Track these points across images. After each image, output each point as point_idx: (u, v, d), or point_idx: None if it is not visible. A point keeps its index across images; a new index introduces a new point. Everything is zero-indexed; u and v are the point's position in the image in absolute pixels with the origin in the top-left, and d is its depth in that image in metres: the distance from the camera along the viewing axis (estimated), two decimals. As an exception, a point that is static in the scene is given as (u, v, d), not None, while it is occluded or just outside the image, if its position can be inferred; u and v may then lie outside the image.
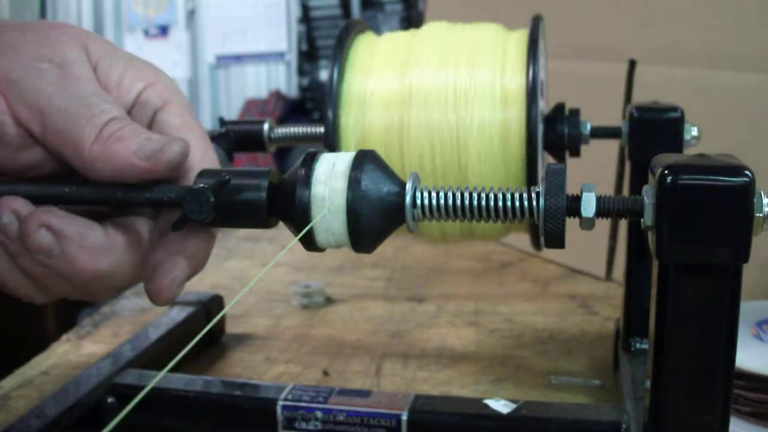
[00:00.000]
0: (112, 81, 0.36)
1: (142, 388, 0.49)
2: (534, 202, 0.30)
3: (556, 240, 0.30)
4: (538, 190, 0.30)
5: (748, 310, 0.53)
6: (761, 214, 0.28)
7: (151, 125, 0.36)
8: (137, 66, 0.38)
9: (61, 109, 0.33)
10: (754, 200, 0.28)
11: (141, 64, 0.38)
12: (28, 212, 0.32)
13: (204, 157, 0.36)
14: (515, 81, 0.47)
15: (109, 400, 0.48)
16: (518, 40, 0.50)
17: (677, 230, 0.28)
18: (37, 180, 0.34)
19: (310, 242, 0.32)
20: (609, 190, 0.71)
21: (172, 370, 0.53)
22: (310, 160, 0.31)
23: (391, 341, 0.65)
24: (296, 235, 0.32)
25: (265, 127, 0.57)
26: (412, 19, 2.86)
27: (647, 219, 0.29)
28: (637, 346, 0.51)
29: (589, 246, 0.79)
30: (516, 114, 0.46)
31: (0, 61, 0.33)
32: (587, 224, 0.30)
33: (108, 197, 0.33)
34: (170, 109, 0.37)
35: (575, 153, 0.51)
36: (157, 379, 0.36)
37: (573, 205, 0.30)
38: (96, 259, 0.32)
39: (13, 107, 0.33)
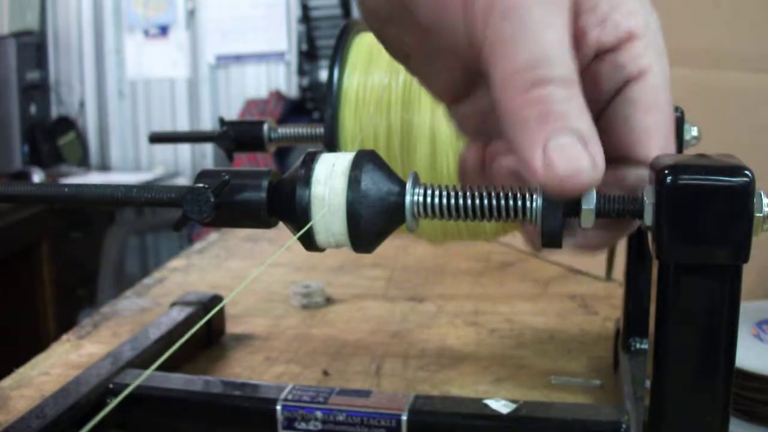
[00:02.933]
0: (597, 15, 0.29)
1: (142, 387, 0.49)
2: (530, 202, 0.30)
3: (553, 240, 0.30)
4: (535, 189, 0.30)
5: (748, 310, 0.53)
6: (761, 214, 0.28)
7: (614, 96, 0.30)
8: (629, 5, 0.30)
9: (501, 32, 0.27)
10: (754, 200, 0.28)
11: (633, 4, 0.30)
12: None
13: (664, 148, 0.30)
14: (515, 81, 0.47)
15: (109, 400, 0.48)
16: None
17: (677, 230, 0.28)
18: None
19: (310, 242, 0.32)
20: (609, 190, 0.71)
21: (173, 369, 0.54)
22: (309, 160, 0.31)
23: (391, 341, 0.65)
24: (296, 236, 0.32)
25: (265, 127, 0.57)
26: (412, 19, 2.85)
27: (647, 219, 0.29)
28: (637, 346, 0.51)
29: (589, 246, 0.79)
30: (516, 114, 0.46)
31: None
32: (587, 224, 0.30)
33: (107, 197, 0.33)
34: (644, 84, 0.30)
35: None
36: (146, 374, 0.36)
37: (573, 205, 0.30)
38: None
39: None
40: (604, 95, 0.30)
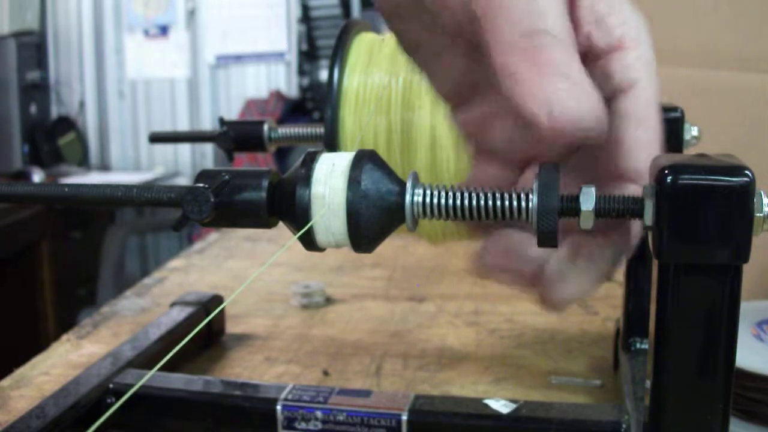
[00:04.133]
0: (594, 12, 0.29)
1: (142, 387, 0.49)
2: (525, 202, 0.30)
3: (548, 240, 0.30)
4: (531, 188, 0.30)
5: (748, 310, 0.53)
6: (761, 214, 0.28)
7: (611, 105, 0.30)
8: (624, 13, 0.30)
9: None
10: (754, 200, 0.28)
11: (628, 13, 0.30)
12: None
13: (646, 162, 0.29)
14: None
15: (109, 400, 0.48)
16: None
17: (677, 230, 0.28)
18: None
19: (310, 242, 0.32)
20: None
21: (173, 369, 0.54)
22: (309, 160, 0.31)
23: (391, 341, 0.65)
24: (296, 235, 0.32)
25: (265, 127, 0.57)
26: (412, 19, 2.85)
27: (647, 219, 0.29)
28: (637, 346, 0.51)
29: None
30: (516, 114, 0.46)
31: None
32: (586, 224, 0.30)
33: (107, 197, 0.33)
34: (634, 96, 0.30)
35: (575, 153, 0.51)
36: (150, 374, 0.36)
37: (571, 205, 0.30)
38: None
39: None
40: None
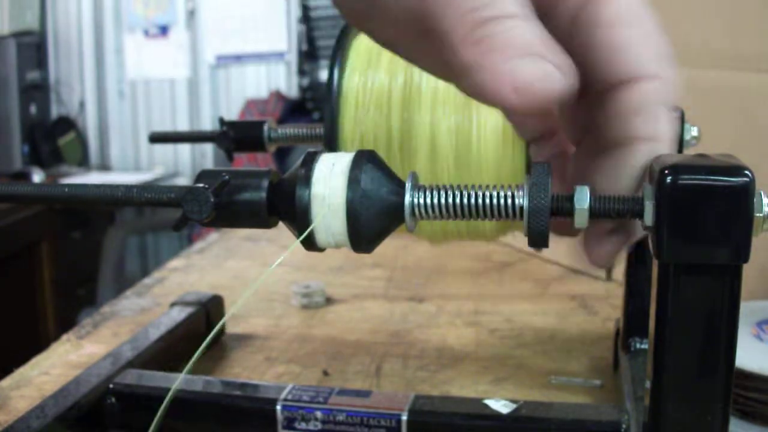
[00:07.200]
0: None
1: (142, 387, 0.49)
2: (517, 200, 0.30)
3: (540, 239, 0.30)
4: (522, 187, 0.30)
5: (748, 310, 0.53)
6: (761, 214, 0.28)
7: (575, 20, 0.28)
8: None
9: None
10: (754, 200, 0.28)
11: None
12: None
13: (657, 63, 0.27)
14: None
15: (109, 400, 0.48)
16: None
17: (677, 230, 0.28)
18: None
19: (310, 242, 0.32)
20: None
21: (173, 369, 0.53)
22: (309, 160, 0.32)
23: (391, 341, 0.65)
24: (296, 235, 0.32)
25: (265, 127, 0.57)
26: (412, 19, 2.84)
27: (647, 219, 0.29)
28: (637, 346, 0.51)
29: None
30: (516, 114, 0.46)
31: None
32: (581, 223, 0.30)
33: (107, 197, 0.33)
34: (600, 1, 0.27)
35: (575, 153, 0.51)
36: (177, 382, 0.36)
37: (567, 204, 0.29)
38: None
39: None
40: (563, 27, 0.29)
